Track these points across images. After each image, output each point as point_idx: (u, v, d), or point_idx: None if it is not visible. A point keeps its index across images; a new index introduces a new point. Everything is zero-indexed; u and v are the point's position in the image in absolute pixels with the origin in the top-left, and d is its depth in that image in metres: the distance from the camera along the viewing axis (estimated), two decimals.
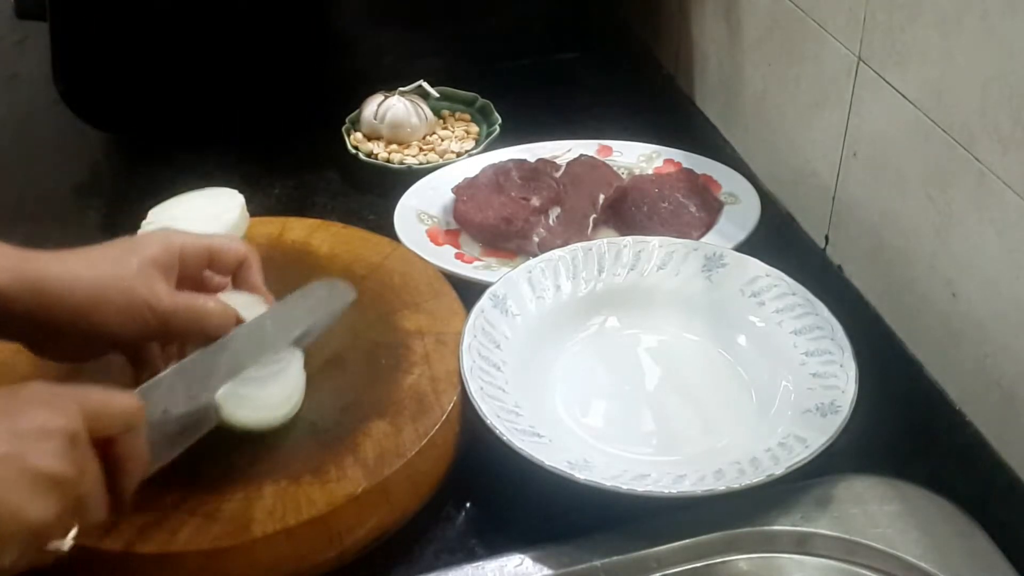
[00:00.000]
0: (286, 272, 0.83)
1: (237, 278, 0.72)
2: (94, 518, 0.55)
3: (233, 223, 0.84)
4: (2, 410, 0.53)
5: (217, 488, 0.66)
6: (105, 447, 0.56)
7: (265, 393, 0.69)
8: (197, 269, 0.70)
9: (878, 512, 0.68)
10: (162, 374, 0.64)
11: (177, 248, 0.67)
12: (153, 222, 0.84)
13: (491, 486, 0.73)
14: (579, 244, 0.87)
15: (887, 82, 0.75)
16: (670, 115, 1.13)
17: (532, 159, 1.01)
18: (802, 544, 0.68)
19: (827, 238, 0.88)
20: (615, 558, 0.66)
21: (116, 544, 0.63)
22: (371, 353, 0.77)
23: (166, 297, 0.65)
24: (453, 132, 1.09)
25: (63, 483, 0.52)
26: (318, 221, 0.91)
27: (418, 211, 0.96)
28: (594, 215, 0.94)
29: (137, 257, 0.65)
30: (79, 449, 0.54)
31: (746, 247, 0.88)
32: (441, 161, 1.04)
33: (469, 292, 0.82)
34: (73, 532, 0.53)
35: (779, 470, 0.67)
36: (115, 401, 0.57)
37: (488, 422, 0.71)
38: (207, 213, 0.84)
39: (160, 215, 0.85)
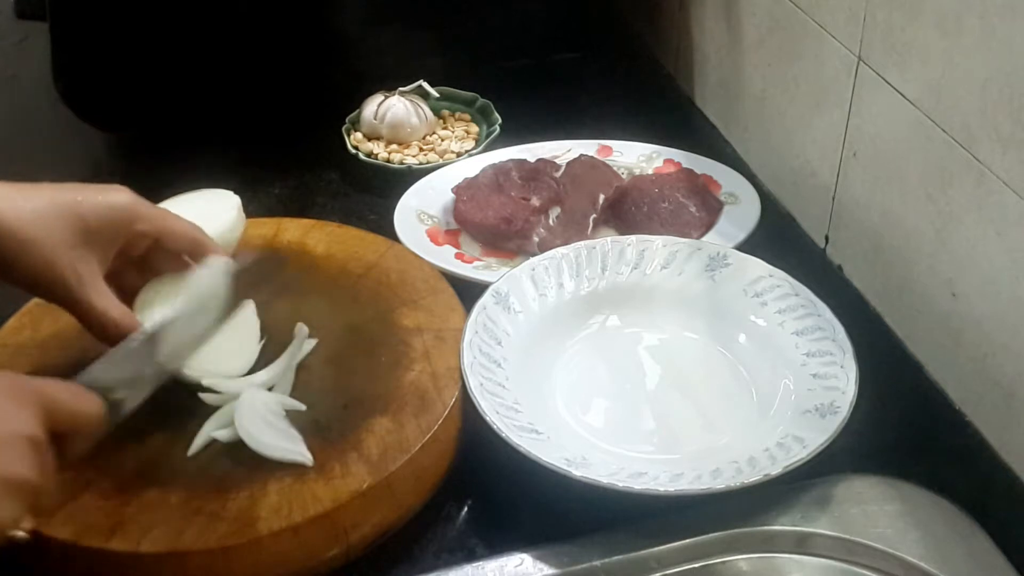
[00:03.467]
0: (283, 273, 0.83)
1: (196, 256, 0.72)
2: (45, 508, 0.57)
3: (229, 225, 0.84)
4: None
5: (222, 487, 0.66)
6: (53, 434, 0.55)
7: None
8: (142, 247, 0.70)
9: (878, 512, 0.68)
10: (104, 359, 0.62)
11: (127, 225, 0.67)
12: None
13: (492, 485, 0.73)
14: (583, 242, 0.87)
15: (887, 82, 0.76)
16: (670, 115, 1.13)
17: (532, 159, 1.01)
18: (802, 544, 0.68)
19: (827, 238, 0.88)
20: (615, 558, 0.66)
21: (122, 544, 0.63)
22: (371, 351, 0.77)
23: (89, 289, 0.66)
24: (453, 132, 1.10)
25: (28, 486, 0.52)
26: (313, 221, 0.91)
27: (418, 211, 0.97)
28: (594, 215, 0.94)
29: (78, 225, 0.65)
30: (42, 451, 0.53)
31: (746, 247, 0.88)
32: (441, 161, 1.04)
33: (469, 292, 0.82)
34: (26, 522, 0.54)
35: (776, 470, 0.67)
36: (77, 404, 0.57)
37: (487, 418, 0.71)
38: (203, 215, 0.84)
39: None
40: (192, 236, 0.72)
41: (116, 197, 0.68)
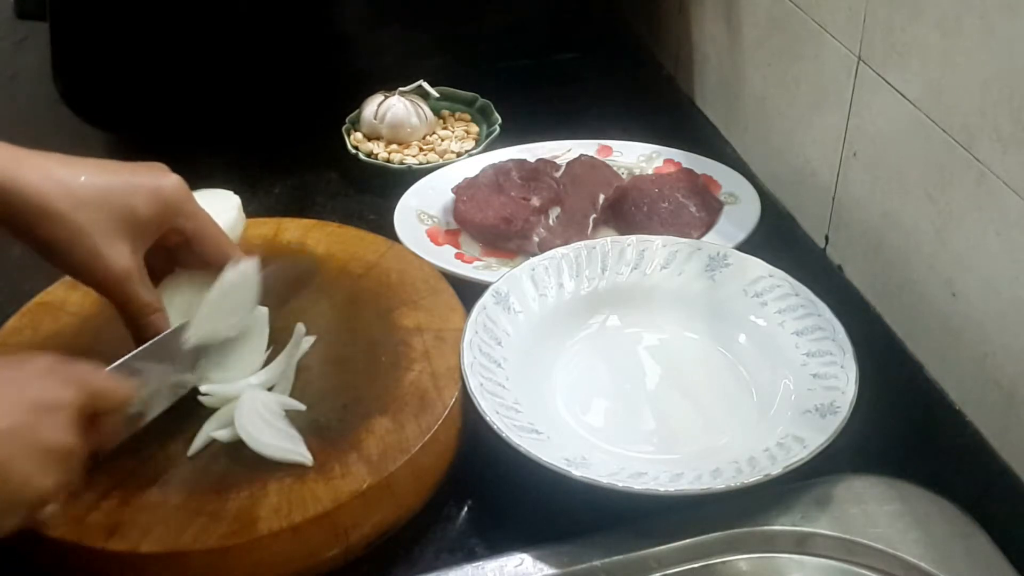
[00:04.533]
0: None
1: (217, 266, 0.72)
2: (75, 488, 0.58)
3: (229, 224, 0.84)
4: (12, 380, 0.55)
5: (222, 487, 0.66)
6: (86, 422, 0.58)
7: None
8: (174, 241, 0.70)
9: (878, 512, 0.68)
10: (136, 351, 0.65)
11: (171, 218, 0.67)
12: None
13: (492, 485, 0.73)
14: (583, 242, 0.87)
15: (887, 82, 0.76)
16: (670, 115, 1.13)
17: (532, 159, 1.01)
18: (802, 544, 0.68)
19: (827, 238, 0.88)
20: (615, 558, 0.66)
21: (122, 544, 0.63)
22: (371, 351, 0.77)
23: (136, 285, 0.66)
24: (453, 132, 1.10)
25: (68, 456, 0.55)
26: (313, 221, 0.91)
27: (418, 211, 0.97)
28: (594, 215, 0.94)
29: (128, 218, 0.65)
30: (82, 424, 0.56)
31: (746, 247, 0.88)
32: (441, 161, 1.04)
33: (469, 292, 0.82)
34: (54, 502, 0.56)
35: (776, 470, 0.67)
36: (114, 385, 0.60)
37: (487, 418, 0.71)
38: None
39: None
40: (223, 249, 0.71)
41: (168, 185, 0.67)
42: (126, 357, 0.64)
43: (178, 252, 0.71)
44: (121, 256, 0.65)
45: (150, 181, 0.67)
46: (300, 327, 0.76)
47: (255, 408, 0.70)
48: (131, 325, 0.68)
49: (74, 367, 0.58)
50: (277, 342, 0.76)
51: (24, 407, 0.53)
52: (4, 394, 0.54)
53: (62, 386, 0.56)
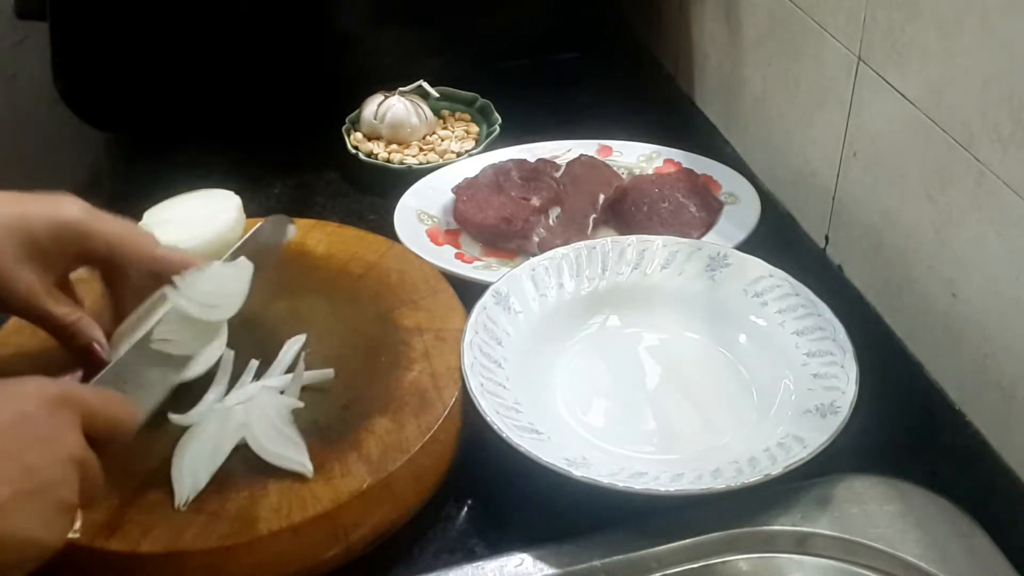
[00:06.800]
0: (283, 272, 0.83)
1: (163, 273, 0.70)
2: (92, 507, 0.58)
3: (229, 224, 0.84)
4: (4, 431, 0.52)
5: (222, 486, 0.66)
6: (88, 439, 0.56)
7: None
8: (99, 262, 0.69)
9: (878, 512, 0.68)
10: (119, 357, 0.64)
11: (76, 242, 0.67)
12: (148, 224, 0.83)
13: (492, 485, 0.73)
14: (583, 242, 0.87)
15: (887, 82, 0.76)
16: (670, 115, 1.13)
17: (532, 159, 1.02)
18: (802, 544, 0.68)
19: (827, 238, 0.88)
20: (615, 558, 0.66)
21: (122, 544, 0.63)
22: (371, 351, 0.77)
23: (43, 299, 0.66)
24: (453, 132, 1.10)
25: (75, 506, 0.53)
26: (313, 221, 0.91)
27: (418, 211, 0.97)
28: (594, 215, 0.94)
29: (27, 241, 0.65)
30: (89, 469, 0.54)
31: (746, 247, 0.88)
32: (441, 161, 1.04)
33: (469, 292, 0.82)
34: (73, 528, 0.55)
35: (776, 470, 0.67)
36: (116, 413, 0.57)
37: (487, 418, 0.71)
38: (203, 214, 0.84)
39: (155, 216, 0.85)
40: (151, 255, 0.69)
41: (65, 213, 0.67)
42: (113, 366, 0.62)
43: (114, 275, 0.70)
44: (26, 279, 0.65)
45: (47, 211, 0.66)
46: (301, 366, 0.74)
47: (267, 414, 0.70)
48: (58, 338, 0.68)
49: (75, 400, 0.54)
50: (272, 339, 0.76)
51: (24, 471, 0.50)
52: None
53: (68, 435, 0.53)
